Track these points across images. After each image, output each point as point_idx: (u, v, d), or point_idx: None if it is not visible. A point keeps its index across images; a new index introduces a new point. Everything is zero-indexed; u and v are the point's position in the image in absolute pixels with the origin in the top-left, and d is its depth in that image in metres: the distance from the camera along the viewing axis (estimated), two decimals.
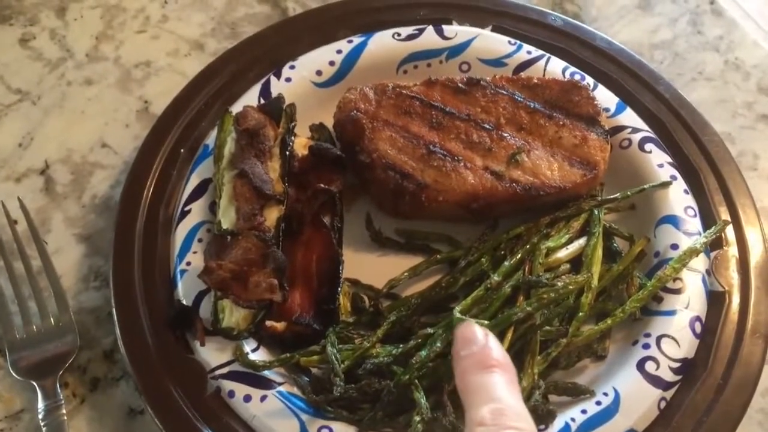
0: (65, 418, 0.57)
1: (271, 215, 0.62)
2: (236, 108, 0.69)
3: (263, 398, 0.56)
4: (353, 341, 0.60)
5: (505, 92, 0.69)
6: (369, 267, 0.65)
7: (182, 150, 0.68)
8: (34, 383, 0.59)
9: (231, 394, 0.57)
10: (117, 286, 0.61)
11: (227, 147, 0.66)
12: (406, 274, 0.64)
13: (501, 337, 0.57)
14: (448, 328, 0.58)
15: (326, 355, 0.57)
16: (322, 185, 0.65)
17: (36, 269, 0.64)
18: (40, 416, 0.57)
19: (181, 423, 0.56)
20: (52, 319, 0.62)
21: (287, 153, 0.65)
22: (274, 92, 0.71)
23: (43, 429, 0.57)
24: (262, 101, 0.71)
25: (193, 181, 0.67)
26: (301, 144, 0.68)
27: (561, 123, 0.67)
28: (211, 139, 0.68)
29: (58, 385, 0.59)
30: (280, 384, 0.58)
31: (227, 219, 0.62)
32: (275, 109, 0.67)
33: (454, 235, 0.67)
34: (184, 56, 0.80)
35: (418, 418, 0.53)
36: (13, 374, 0.59)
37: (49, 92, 0.77)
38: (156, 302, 0.61)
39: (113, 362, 0.62)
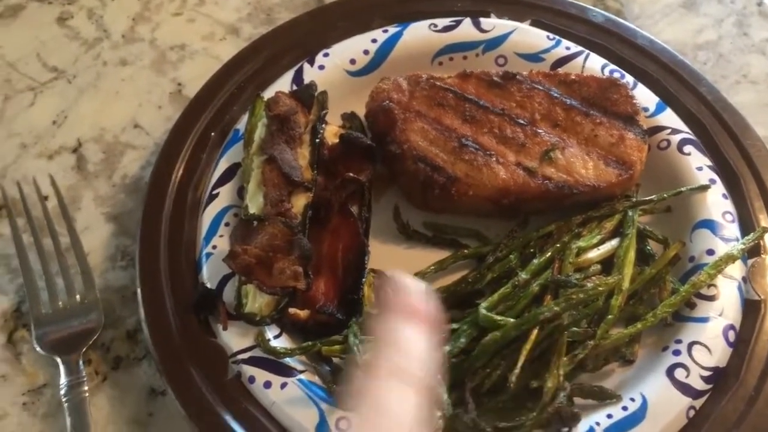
0: (87, 395, 0.58)
1: (299, 202, 0.62)
2: (268, 94, 0.68)
3: (283, 385, 0.56)
4: None
5: (541, 87, 0.67)
6: (395, 259, 0.64)
7: (213, 134, 0.68)
8: (58, 359, 0.59)
9: (251, 379, 0.56)
10: (143, 266, 0.61)
11: (257, 132, 0.66)
12: (432, 267, 0.63)
13: (526, 335, 0.56)
14: (472, 324, 0.57)
15: (348, 345, 0.57)
16: (351, 174, 0.64)
17: (64, 246, 0.64)
18: (62, 392, 0.57)
19: (201, 405, 0.56)
20: (78, 296, 0.62)
21: (317, 140, 0.64)
22: (307, 79, 0.71)
23: (65, 404, 0.57)
24: (295, 88, 0.70)
25: (222, 165, 0.66)
26: (331, 132, 0.67)
27: (598, 121, 0.66)
28: (241, 124, 0.68)
29: (81, 362, 0.59)
30: (300, 372, 0.57)
31: (254, 204, 0.62)
32: (307, 96, 0.67)
33: (483, 230, 0.66)
34: (219, 40, 0.80)
35: (439, 414, 0.52)
36: (38, 349, 0.59)
37: (85, 71, 0.77)
38: (180, 284, 0.61)
39: (136, 342, 0.62)
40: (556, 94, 0.67)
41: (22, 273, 0.62)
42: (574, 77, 0.68)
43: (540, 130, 0.65)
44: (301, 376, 0.57)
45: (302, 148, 0.64)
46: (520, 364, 0.55)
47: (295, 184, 0.61)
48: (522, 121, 0.66)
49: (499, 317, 0.56)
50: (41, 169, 0.70)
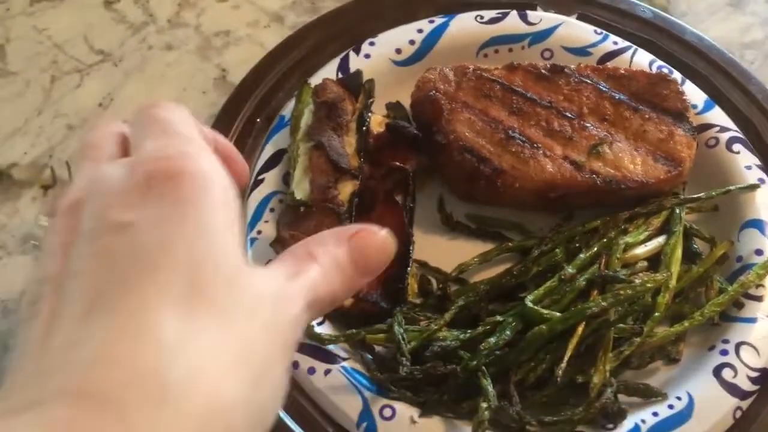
0: None
1: (345, 189, 0.62)
2: (315, 81, 0.68)
3: (327, 372, 0.56)
4: (418, 323, 0.60)
5: (589, 81, 0.67)
6: (437, 250, 0.64)
7: (258, 120, 0.68)
8: None
9: (295, 365, 0.57)
10: None
11: (304, 119, 0.66)
12: (476, 259, 0.63)
13: (572, 330, 0.56)
14: (517, 317, 0.57)
15: (392, 334, 0.57)
16: (397, 163, 0.64)
17: None
18: None
19: None
20: None
21: (364, 129, 0.64)
22: (353, 67, 0.70)
23: None
24: (340, 76, 0.70)
25: (268, 151, 0.67)
26: (376, 121, 0.67)
27: (647, 116, 0.65)
28: (287, 110, 0.68)
29: None
30: (344, 359, 0.57)
31: (300, 190, 0.62)
32: (354, 84, 0.67)
33: (526, 224, 0.66)
34: (263, 27, 0.80)
35: (485, 405, 0.52)
36: None
37: (131, 55, 0.77)
38: None
39: None
40: (604, 88, 0.66)
41: None
42: (623, 72, 0.67)
43: (588, 124, 0.65)
44: (345, 364, 0.57)
45: (348, 135, 0.64)
46: (566, 358, 0.54)
47: (342, 171, 0.61)
48: (569, 115, 0.65)
49: (545, 311, 0.56)
50: None
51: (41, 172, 0.70)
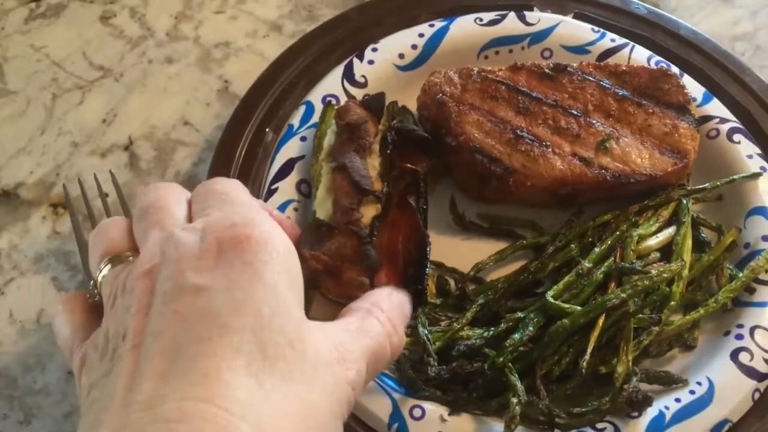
0: None
1: (368, 212, 0.61)
2: (321, 88, 0.69)
3: None
4: (439, 323, 0.60)
5: (592, 79, 0.68)
6: (452, 250, 0.65)
7: (267, 129, 0.69)
8: None
9: None
10: None
11: (326, 139, 0.66)
12: (492, 258, 0.64)
13: (593, 323, 0.57)
14: (539, 312, 0.58)
15: (417, 335, 0.57)
16: (409, 165, 0.64)
17: None
18: None
19: None
20: None
21: (387, 152, 0.64)
22: (357, 74, 0.71)
23: None
24: (346, 83, 0.71)
25: (279, 161, 0.67)
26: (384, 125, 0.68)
27: (650, 111, 0.66)
28: (296, 119, 0.68)
29: None
30: None
31: (323, 210, 0.61)
32: (377, 106, 0.66)
33: (538, 221, 0.67)
34: (262, 37, 0.80)
35: (515, 400, 0.53)
36: None
37: (131, 70, 0.77)
38: None
39: None
40: (607, 85, 0.68)
41: (83, 270, 0.63)
42: (624, 68, 0.69)
43: (594, 121, 0.66)
44: None
45: (371, 158, 0.64)
46: (589, 350, 0.56)
47: (365, 192, 0.61)
48: (575, 112, 0.66)
49: (566, 305, 0.57)
50: (95, 167, 0.70)
51: (49, 191, 0.69)
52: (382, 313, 0.44)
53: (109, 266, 0.42)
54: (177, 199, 0.44)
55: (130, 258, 0.43)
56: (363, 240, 0.59)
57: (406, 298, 0.49)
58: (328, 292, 0.58)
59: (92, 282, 0.44)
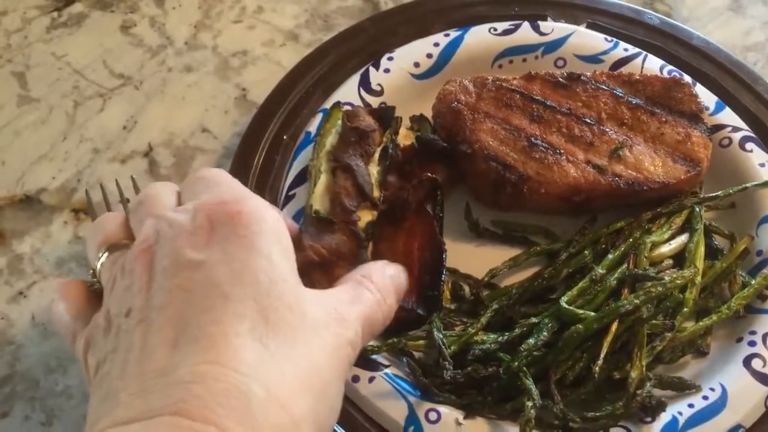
0: None
1: (365, 217, 0.63)
2: (338, 96, 0.70)
3: (371, 379, 0.57)
4: (454, 328, 0.61)
5: (605, 87, 0.69)
6: (467, 256, 0.66)
7: (285, 137, 0.70)
8: None
9: None
10: None
11: (329, 138, 0.67)
12: (507, 264, 0.64)
13: (606, 328, 0.57)
14: (554, 317, 0.59)
15: (432, 340, 0.58)
16: (429, 174, 0.65)
17: None
18: None
19: None
20: None
21: (387, 163, 0.66)
22: (373, 83, 0.72)
23: None
24: (362, 91, 0.72)
25: (296, 167, 0.68)
26: (403, 134, 0.69)
27: (663, 119, 0.67)
28: (313, 126, 0.70)
29: None
30: (386, 366, 0.58)
31: (319, 202, 0.63)
32: (386, 117, 0.68)
33: (551, 228, 0.68)
34: (279, 46, 0.82)
35: (530, 404, 0.53)
36: None
37: (151, 78, 0.79)
38: None
39: None
40: (620, 94, 0.69)
41: None
42: (637, 77, 0.69)
43: (607, 129, 0.67)
44: (387, 371, 0.58)
45: (371, 166, 0.65)
46: (602, 355, 0.56)
47: (366, 197, 0.63)
48: (589, 120, 0.67)
49: (580, 311, 0.58)
50: (115, 173, 0.72)
51: (71, 197, 0.71)
52: (372, 284, 0.47)
53: (107, 254, 0.44)
54: (169, 191, 0.46)
55: (128, 245, 0.44)
56: (361, 243, 0.61)
57: (400, 270, 0.51)
58: (314, 284, 0.58)
59: (91, 271, 0.46)
